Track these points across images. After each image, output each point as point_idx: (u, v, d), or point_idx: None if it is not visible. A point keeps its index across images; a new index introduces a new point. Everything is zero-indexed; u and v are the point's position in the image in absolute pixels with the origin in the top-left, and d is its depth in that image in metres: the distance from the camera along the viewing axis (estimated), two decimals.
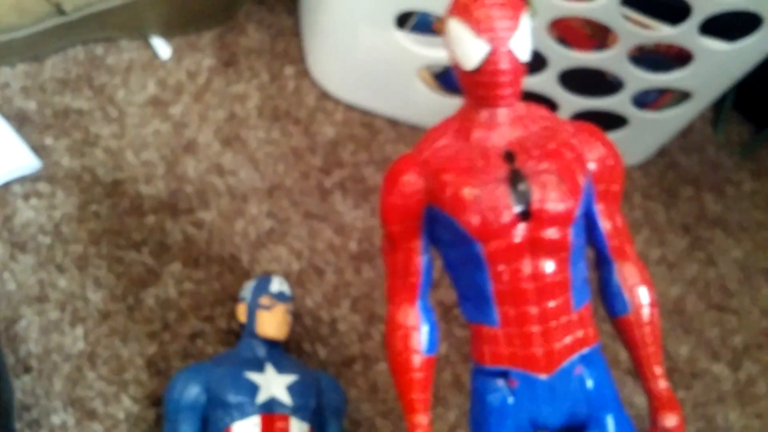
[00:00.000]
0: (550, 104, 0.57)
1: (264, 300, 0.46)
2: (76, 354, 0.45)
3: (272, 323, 0.45)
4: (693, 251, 0.61)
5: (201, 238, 0.51)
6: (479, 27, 0.32)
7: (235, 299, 0.49)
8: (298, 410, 0.42)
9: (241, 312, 0.46)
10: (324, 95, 0.59)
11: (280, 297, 0.46)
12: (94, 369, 0.45)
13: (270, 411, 0.42)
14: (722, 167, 0.66)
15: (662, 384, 0.35)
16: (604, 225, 0.35)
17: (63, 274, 0.47)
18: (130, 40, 0.57)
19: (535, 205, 0.32)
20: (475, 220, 0.32)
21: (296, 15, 0.62)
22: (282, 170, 0.55)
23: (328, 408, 0.44)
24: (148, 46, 0.57)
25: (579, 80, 0.55)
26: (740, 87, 0.68)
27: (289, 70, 0.59)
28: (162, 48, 0.57)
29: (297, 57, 0.60)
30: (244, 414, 0.41)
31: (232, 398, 0.42)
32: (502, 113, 0.34)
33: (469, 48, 0.33)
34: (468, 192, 0.32)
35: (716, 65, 0.54)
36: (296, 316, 0.50)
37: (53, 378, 0.45)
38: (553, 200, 0.32)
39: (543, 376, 0.33)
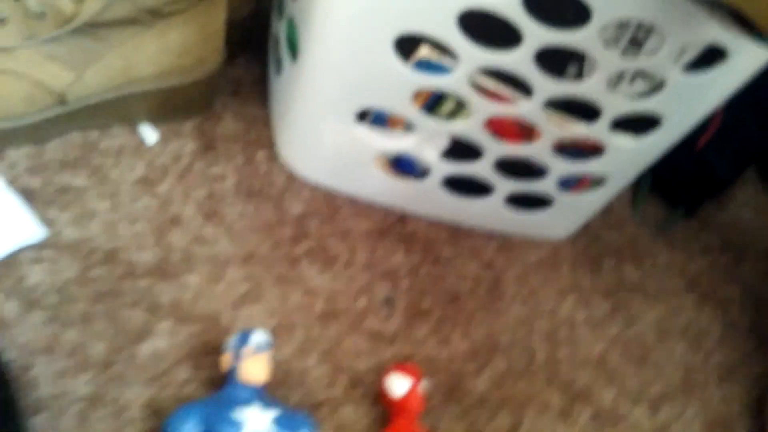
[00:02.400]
0: (485, 188, 0.71)
1: (246, 350, 0.56)
2: (81, 397, 0.56)
3: (254, 370, 0.56)
4: (615, 313, 0.75)
5: (187, 299, 0.63)
6: (408, 374, 0.60)
7: (218, 351, 0.61)
8: None
9: (225, 362, 0.57)
10: (292, 176, 0.72)
11: (259, 348, 0.57)
12: (96, 411, 0.56)
13: None
14: (640, 241, 0.81)
15: None
16: None
17: (69, 329, 0.58)
18: (122, 127, 0.69)
19: None
20: None
21: (267, 106, 0.75)
22: (256, 241, 0.68)
23: None
24: (137, 133, 0.70)
25: (511, 166, 0.67)
26: (656, 172, 0.83)
27: (261, 155, 0.73)
28: (149, 134, 0.70)
29: (268, 143, 0.73)
30: None
31: (223, 431, 0.53)
32: (416, 421, 0.60)
33: (400, 385, 0.60)
34: None
35: (625, 156, 0.67)
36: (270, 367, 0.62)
37: (61, 419, 0.55)
38: None
39: None
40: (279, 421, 0.54)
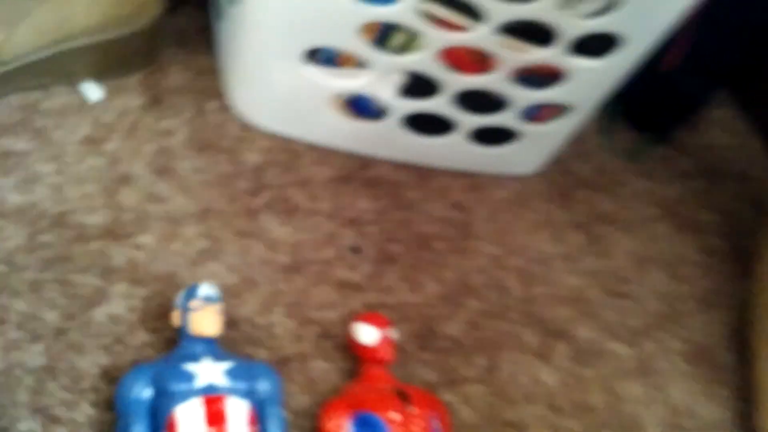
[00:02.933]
0: (447, 125, 0.69)
1: (193, 303, 0.55)
2: (36, 368, 0.54)
3: (203, 322, 0.54)
4: (590, 246, 0.73)
5: (142, 260, 0.60)
6: (375, 324, 0.59)
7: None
8: (235, 391, 0.52)
9: (176, 317, 0.55)
10: (246, 126, 0.69)
11: (207, 299, 0.55)
12: (54, 380, 0.54)
13: (209, 393, 0.51)
14: (613, 171, 0.79)
15: None
16: None
17: (19, 298, 0.56)
18: (63, 86, 0.66)
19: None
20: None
21: (214, 55, 0.73)
22: (212, 195, 0.65)
23: (264, 391, 0.53)
24: (81, 90, 0.67)
25: (472, 100, 0.65)
26: (625, 98, 0.81)
27: (211, 105, 0.70)
28: (92, 91, 0.67)
29: (218, 93, 0.70)
30: (185, 398, 0.50)
31: (174, 387, 0.51)
32: (385, 369, 0.59)
33: (369, 334, 0.59)
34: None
35: (588, 81, 0.65)
36: (236, 323, 0.60)
37: (17, 390, 0.53)
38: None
39: None
40: (233, 372, 0.52)
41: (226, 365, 0.53)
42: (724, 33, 0.80)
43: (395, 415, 0.55)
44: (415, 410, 0.55)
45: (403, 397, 0.56)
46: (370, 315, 0.60)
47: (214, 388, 0.52)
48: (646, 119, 0.82)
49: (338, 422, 0.55)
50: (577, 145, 0.78)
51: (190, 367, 0.52)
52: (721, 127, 0.88)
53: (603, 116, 0.82)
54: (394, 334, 0.60)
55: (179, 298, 0.56)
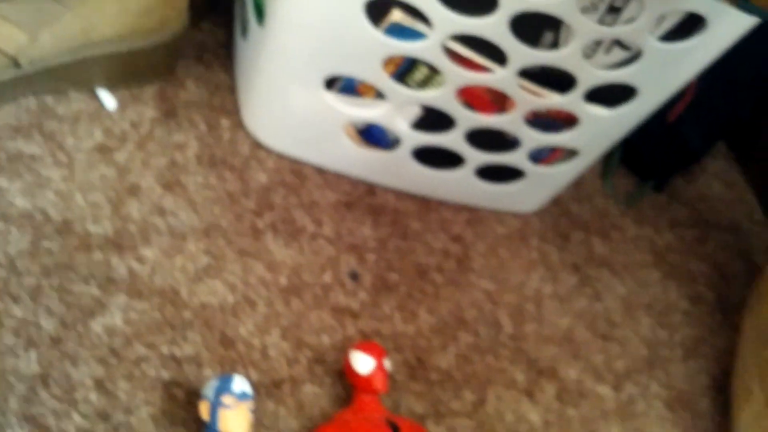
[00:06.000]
0: (458, 158, 0.66)
1: (226, 399, 0.49)
2: (30, 375, 0.51)
3: (235, 422, 0.49)
4: (582, 287, 0.70)
5: (144, 273, 0.58)
6: (372, 353, 0.56)
7: (174, 328, 0.56)
8: None
9: (204, 410, 0.50)
10: (257, 145, 0.67)
11: (241, 396, 0.50)
12: (46, 389, 0.51)
13: None
14: (609, 215, 0.77)
15: None
16: None
17: (17, 304, 0.53)
18: (79, 92, 0.63)
19: None
20: None
21: (232, 72, 0.70)
22: (218, 212, 0.62)
23: None
24: (95, 98, 0.64)
25: (483, 138, 0.63)
26: (626, 145, 0.79)
27: (225, 122, 0.67)
28: (108, 100, 0.64)
29: (232, 110, 0.68)
30: None
31: None
32: (378, 399, 0.56)
33: (364, 363, 0.56)
34: None
35: (599, 128, 0.63)
36: (231, 342, 0.57)
37: (9, 397, 0.50)
38: None
39: None
40: None
41: None
42: (724, 87, 0.78)
43: None
44: None
45: (394, 430, 0.53)
46: (368, 344, 0.57)
47: None
48: (646, 167, 0.79)
49: None
50: (576, 186, 0.76)
51: None
52: (716, 178, 0.85)
53: (603, 161, 0.79)
54: (388, 364, 0.57)
55: (209, 388, 0.51)
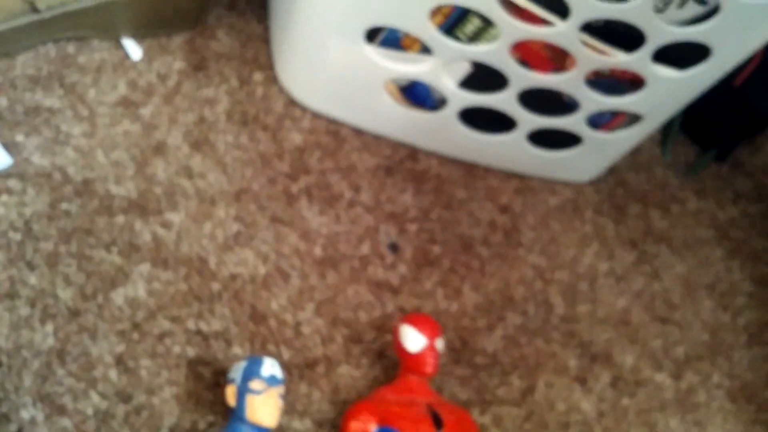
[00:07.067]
0: (509, 122, 0.61)
1: (255, 384, 0.45)
2: (45, 350, 0.47)
3: (264, 409, 0.45)
4: (639, 265, 0.65)
5: (169, 240, 0.53)
6: (423, 330, 0.51)
7: (201, 301, 0.52)
8: None
9: (231, 395, 0.46)
10: (292, 102, 0.62)
11: (271, 381, 0.46)
12: (63, 366, 0.47)
13: None
14: (668, 186, 0.71)
15: None
16: None
17: (33, 271, 0.49)
18: (102, 40, 0.58)
19: None
20: None
21: (266, 22, 0.64)
22: (249, 175, 0.58)
23: None
24: (120, 47, 0.59)
25: (537, 99, 0.58)
26: (687, 111, 0.73)
27: (258, 76, 0.62)
28: (133, 49, 0.59)
29: (266, 63, 0.62)
30: None
31: None
32: (426, 382, 0.52)
33: (415, 340, 0.51)
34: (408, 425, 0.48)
35: (666, 91, 0.58)
36: (263, 318, 0.52)
37: (23, 374, 0.46)
38: None
39: None
40: None
41: None
42: None
43: None
44: None
45: (436, 422, 0.49)
46: (421, 319, 0.52)
47: None
48: (709, 134, 0.73)
49: (363, 426, 0.48)
50: (633, 155, 0.70)
51: None
52: None
53: (663, 127, 0.73)
54: (441, 345, 0.52)
55: (237, 371, 0.47)
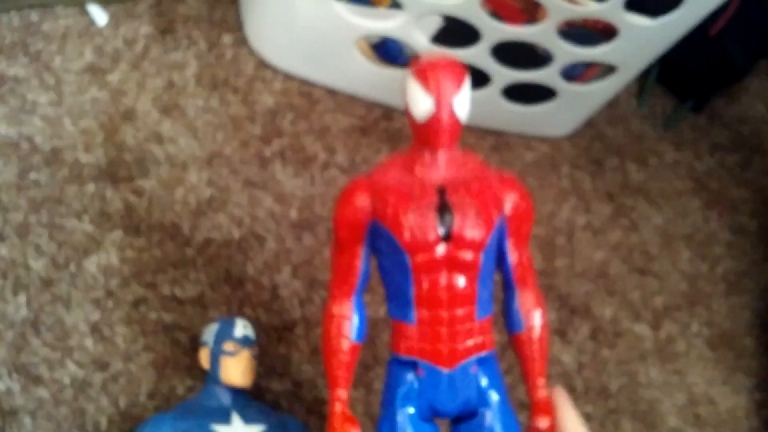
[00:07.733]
0: (483, 77, 0.60)
1: (228, 346, 0.45)
2: (19, 321, 0.47)
3: (237, 370, 0.45)
4: (617, 218, 0.65)
5: (141, 207, 0.52)
6: (429, 87, 0.38)
7: (176, 267, 0.51)
8: None
9: (204, 358, 0.46)
10: (262, 64, 0.60)
11: (244, 342, 0.46)
12: (38, 336, 0.47)
13: None
14: (646, 138, 0.70)
15: (541, 393, 0.40)
16: (512, 257, 0.40)
17: (3, 242, 0.48)
18: (66, 7, 0.57)
19: (455, 231, 0.37)
20: (407, 236, 0.37)
21: None
22: (221, 139, 0.57)
23: None
24: (85, 13, 0.57)
25: (511, 53, 0.57)
26: (664, 62, 0.72)
27: (227, 39, 0.61)
28: (99, 15, 0.58)
29: (235, 25, 0.61)
30: None
31: None
32: (441, 156, 0.39)
33: (420, 102, 0.38)
34: (405, 214, 0.38)
35: (640, 40, 0.57)
36: (240, 282, 0.52)
37: None
38: (469, 228, 0.38)
39: (445, 370, 0.38)
40: None
41: (257, 429, 0.44)
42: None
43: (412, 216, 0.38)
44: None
45: (442, 202, 0.38)
46: (435, 66, 0.38)
47: None
48: (685, 85, 0.73)
49: (358, 204, 0.39)
50: (610, 108, 0.69)
51: (219, 429, 0.43)
52: (760, 97, 0.78)
53: (639, 79, 0.72)
54: (464, 103, 0.39)
55: (209, 333, 0.46)
